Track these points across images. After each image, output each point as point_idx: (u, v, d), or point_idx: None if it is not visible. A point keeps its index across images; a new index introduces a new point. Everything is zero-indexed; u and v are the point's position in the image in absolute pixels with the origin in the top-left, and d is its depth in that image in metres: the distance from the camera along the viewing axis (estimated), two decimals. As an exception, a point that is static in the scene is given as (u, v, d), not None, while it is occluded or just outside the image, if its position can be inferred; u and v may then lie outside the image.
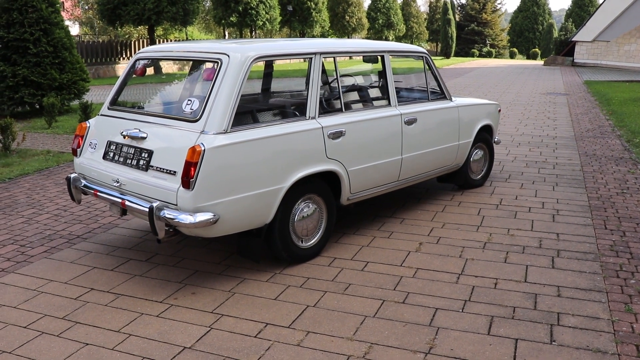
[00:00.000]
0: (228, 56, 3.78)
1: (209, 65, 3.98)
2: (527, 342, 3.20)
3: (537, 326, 3.37)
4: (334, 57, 4.46)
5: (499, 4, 63.18)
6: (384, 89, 4.99)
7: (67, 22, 12.67)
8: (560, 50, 34.74)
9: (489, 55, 53.21)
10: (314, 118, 4.17)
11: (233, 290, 3.85)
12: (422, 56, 5.43)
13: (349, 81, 5.58)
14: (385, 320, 3.47)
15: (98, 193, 4.09)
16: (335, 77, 4.51)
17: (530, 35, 57.07)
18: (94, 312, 3.58)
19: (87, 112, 10.21)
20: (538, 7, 57.49)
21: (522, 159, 7.80)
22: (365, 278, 4.05)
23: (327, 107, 4.64)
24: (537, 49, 50.90)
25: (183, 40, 31.31)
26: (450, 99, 5.66)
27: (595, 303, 3.65)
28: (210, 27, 47.32)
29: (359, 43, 5.03)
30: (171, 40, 28.48)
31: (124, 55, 25.58)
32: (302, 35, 36.82)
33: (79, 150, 4.44)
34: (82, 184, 4.29)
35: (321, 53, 4.29)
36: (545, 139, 9.33)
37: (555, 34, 47.94)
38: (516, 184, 6.49)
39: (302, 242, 4.25)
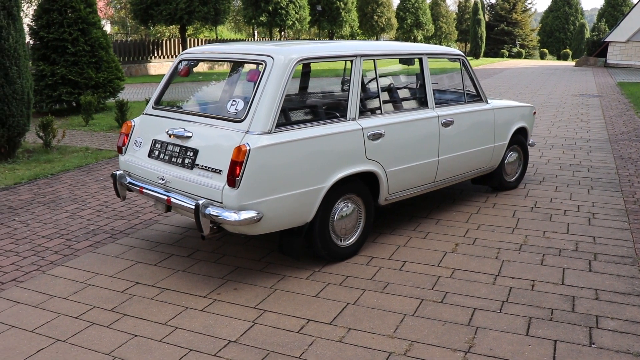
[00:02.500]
0: (272, 58, 3.87)
1: (252, 66, 4.07)
2: (566, 344, 3.24)
3: (576, 328, 3.40)
4: (373, 60, 4.53)
5: (529, 3, 62.43)
6: (421, 90, 5.05)
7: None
8: (593, 51, 34.24)
9: (518, 55, 52.65)
10: (354, 119, 4.25)
11: (274, 287, 3.94)
12: (459, 58, 5.47)
13: (387, 83, 5.64)
14: (425, 319, 3.52)
15: (144, 190, 4.22)
16: (375, 78, 4.58)
17: (561, 35, 56.32)
18: (141, 305, 3.70)
19: (123, 110, 10.42)
20: (570, 6, 56.70)
21: (556, 162, 7.77)
22: (403, 277, 4.11)
23: (366, 108, 4.71)
24: (568, 50, 50.22)
25: (214, 40, 31.62)
26: (486, 101, 5.69)
27: (634, 307, 3.66)
28: (240, 27, 47.68)
29: (398, 45, 5.09)
30: (203, 40, 28.78)
31: (155, 55, 25.93)
32: (331, 35, 36.91)
33: (124, 148, 4.58)
34: (127, 181, 4.43)
35: (362, 55, 4.36)
36: (579, 142, 9.26)
37: (587, 34, 47.27)
38: (550, 187, 6.48)
39: (341, 241, 4.33)
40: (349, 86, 4.28)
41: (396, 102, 5.30)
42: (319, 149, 3.94)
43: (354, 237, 4.43)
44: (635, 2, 30.66)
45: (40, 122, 8.43)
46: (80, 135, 10.00)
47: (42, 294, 3.87)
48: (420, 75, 5.01)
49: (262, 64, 3.90)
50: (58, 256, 4.52)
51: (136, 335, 3.34)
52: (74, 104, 12.62)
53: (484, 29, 46.93)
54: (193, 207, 3.70)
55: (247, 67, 4.40)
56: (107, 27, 45.68)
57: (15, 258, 4.48)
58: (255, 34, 38.87)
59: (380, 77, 4.70)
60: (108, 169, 7.46)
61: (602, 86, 19.70)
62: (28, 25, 12.60)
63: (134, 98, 15.27)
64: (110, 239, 4.89)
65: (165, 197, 3.99)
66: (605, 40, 31.84)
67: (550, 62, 44.49)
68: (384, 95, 5.28)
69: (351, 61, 4.32)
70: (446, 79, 6.66)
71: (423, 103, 4.99)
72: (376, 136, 4.33)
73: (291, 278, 4.08)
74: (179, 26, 25.38)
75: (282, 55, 3.89)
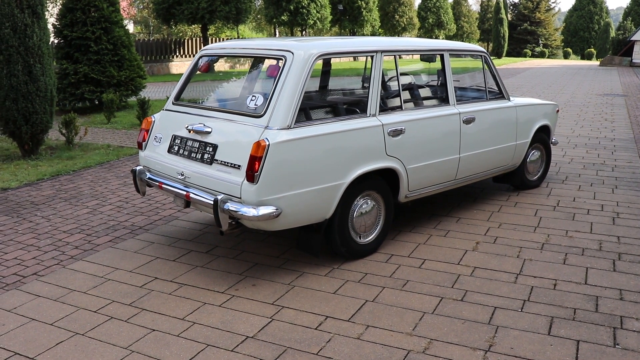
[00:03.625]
0: (292, 53, 3.85)
1: (272, 62, 4.06)
2: (589, 344, 3.17)
3: (600, 329, 3.33)
4: (394, 56, 4.49)
5: (553, 2, 61.68)
6: (443, 87, 4.99)
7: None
8: (618, 50, 33.73)
9: (541, 55, 52.08)
10: (374, 115, 4.21)
11: (292, 284, 3.92)
12: (481, 55, 5.41)
13: (408, 79, 5.59)
14: (444, 317, 3.48)
15: (163, 185, 4.23)
16: (396, 75, 4.54)
17: (586, 34, 55.61)
18: (159, 300, 3.71)
19: (144, 108, 10.51)
20: (594, 5, 55.96)
21: (579, 161, 7.65)
22: (423, 275, 4.06)
23: (387, 105, 4.67)
24: (592, 49, 49.53)
25: (236, 39, 31.76)
26: (509, 99, 5.61)
27: (660, 307, 3.57)
28: (262, 26, 47.82)
29: (419, 42, 5.04)
30: (224, 39, 28.92)
31: (177, 53, 26.12)
32: (352, 34, 36.82)
33: (144, 143, 4.60)
34: (147, 177, 4.44)
35: (382, 51, 4.32)
36: (603, 141, 9.11)
37: (612, 33, 46.54)
38: (573, 186, 6.37)
39: (360, 238, 4.29)
40: (369, 82, 4.24)
41: (417, 99, 5.25)
42: (338, 144, 3.92)
43: (374, 235, 4.39)
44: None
45: (63, 120, 8.52)
46: (102, 133, 10.10)
47: (62, 287, 3.90)
48: (442, 72, 4.95)
49: (282, 59, 3.89)
50: (78, 251, 4.55)
51: (154, 330, 3.34)
52: (97, 102, 12.75)
53: (506, 29, 46.50)
54: (212, 202, 3.70)
55: (267, 63, 4.38)
56: (130, 27, 46.14)
57: (37, 252, 4.52)
58: (277, 33, 38.95)
59: (401, 73, 4.66)
60: (129, 165, 7.51)
61: (628, 85, 19.39)
62: (52, 24, 12.77)
63: (156, 96, 15.38)
64: (130, 234, 4.91)
65: (184, 193, 4.00)
66: (631, 39, 31.33)
67: (574, 61, 43.92)
68: (405, 92, 5.23)
69: (372, 57, 4.29)
70: (468, 76, 6.58)
71: (444, 100, 4.94)
72: (396, 132, 4.29)
73: (310, 275, 4.06)
74: (200, 25, 25.51)
75: (302, 50, 3.87)
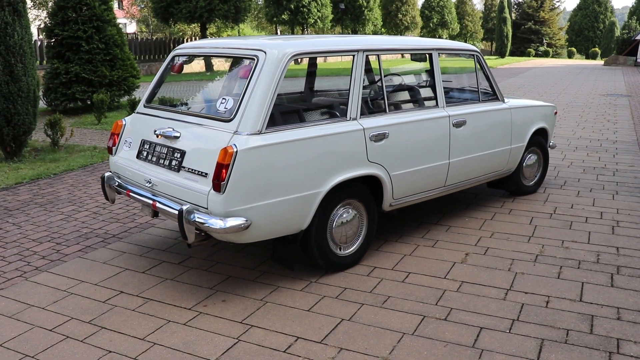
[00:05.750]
0: (265, 53, 3.59)
1: (245, 62, 3.81)
2: (581, 371, 2.90)
3: (594, 353, 3.06)
4: (377, 55, 4.22)
5: (557, 1, 61.20)
6: (431, 89, 4.72)
7: (124, 20, 12.83)
8: (622, 49, 33.36)
9: (545, 54, 51.66)
10: (355, 119, 3.95)
11: (265, 299, 3.66)
12: (473, 54, 5.13)
13: (393, 80, 5.32)
14: (425, 338, 3.21)
15: (130, 193, 3.98)
16: (380, 76, 4.27)
17: (590, 34, 55.17)
18: (121, 317, 3.46)
19: (135, 108, 10.25)
20: (599, 4, 55.51)
21: (579, 165, 7.37)
22: (406, 290, 3.80)
23: (370, 108, 4.41)
24: (596, 49, 49.12)
25: (215, 37, 31.54)
26: (503, 100, 5.34)
27: (660, 328, 3.30)
28: (262, 25, 47.55)
29: (405, 40, 4.77)
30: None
31: (176, 53, 25.90)
32: (354, 33, 36.53)
33: (114, 148, 4.35)
34: (116, 183, 4.19)
35: (364, 50, 4.06)
36: (605, 143, 8.83)
37: (618, 32, 46.14)
38: (572, 192, 6.10)
39: (340, 250, 4.03)
40: (350, 83, 3.98)
41: (403, 101, 4.98)
42: (314, 151, 3.65)
43: (355, 246, 4.13)
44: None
45: (48, 121, 8.28)
46: (91, 134, 9.86)
47: (20, 302, 3.65)
48: (430, 72, 4.68)
49: (254, 59, 3.63)
50: (44, 261, 4.30)
51: (110, 352, 3.08)
52: (88, 102, 12.50)
53: (509, 28, 46.07)
54: (177, 212, 3.44)
55: (240, 63, 4.13)
56: (132, 26, 46.00)
57: (0, 263, 4.27)
58: (278, 32, 38.72)
59: (385, 75, 4.39)
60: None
61: (632, 86, 19.07)
62: (43, 22, 12.56)
63: (151, 96, 15.12)
64: (102, 243, 4.66)
65: (151, 202, 3.75)
66: (636, 38, 30.96)
67: (578, 61, 43.52)
68: (389, 94, 4.95)
69: (353, 56, 4.02)
70: (460, 77, 6.31)
71: (432, 102, 4.67)
72: (379, 137, 4.03)
73: (284, 289, 3.80)
74: (199, 24, 25.29)
75: (276, 49, 3.61)
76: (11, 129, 7.47)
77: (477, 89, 5.16)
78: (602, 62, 37.26)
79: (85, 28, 11.98)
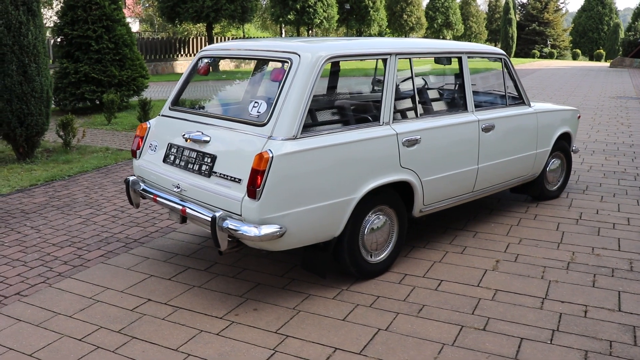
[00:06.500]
0: (299, 56, 3.50)
1: (277, 65, 3.72)
2: (630, 385, 2.82)
3: (641, 366, 2.98)
4: (409, 58, 4.14)
5: (561, 3, 61.07)
6: (460, 92, 4.63)
7: (128, 20, 12.71)
8: (628, 51, 33.23)
9: (550, 56, 51.53)
10: (388, 124, 3.86)
11: (298, 308, 3.58)
12: (501, 58, 5.05)
13: (423, 84, 5.23)
14: (466, 349, 3.13)
15: (157, 198, 3.89)
16: (411, 79, 4.19)
17: (595, 35, 54.99)
18: (151, 326, 3.37)
19: (145, 109, 10.19)
20: (603, 6, 55.34)
21: (599, 169, 7.28)
22: (440, 299, 3.72)
23: (401, 112, 4.32)
24: (601, 50, 48.96)
25: (241, 38, 31.42)
26: (529, 104, 5.26)
27: None
28: (267, 25, 47.46)
29: (435, 43, 4.68)
30: (230, 38, 28.56)
31: (182, 52, 25.82)
32: (359, 34, 36.39)
33: (138, 151, 4.27)
34: (141, 188, 4.11)
35: (397, 54, 3.97)
36: (622, 147, 8.73)
37: (622, 34, 46.00)
38: (595, 197, 6.01)
39: (371, 257, 3.95)
40: (382, 87, 3.89)
41: (433, 105, 4.89)
42: (349, 156, 3.57)
43: (386, 253, 4.04)
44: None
45: (60, 121, 8.20)
46: (102, 135, 9.78)
47: (47, 310, 3.56)
48: (459, 76, 4.60)
49: (287, 62, 3.54)
50: (67, 267, 4.22)
51: (144, 363, 3.00)
52: (97, 102, 12.43)
53: (514, 29, 46.03)
54: (210, 219, 3.36)
55: (272, 66, 4.04)
56: (136, 25, 45.91)
57: (22, 268, 4.19)
58: (283, 32, 38.61)
59: (415, 77, 4.31)
60: (127, 170, 7.19)
61: (641, 88, 18.96)
62: (54, 22, 12.48)
63: (159, 96, 15.07)
64: (124, 248, 4.58)
65: (180, 207, 3.66)
66: (642, 40, 30.86)
67: (584, 62, 43.40)
68: (420, 98, 4.87)
69: (385, 60, 3.93)
70: (484, 79, 6.21)
71: (462, 106, 4.58)
72: (412, 142, 3.94)
73: (316, 298, 3.71)
74: (205, 24, 25.19)
75: (310, 52, 3.53)
76: (24, 129, 7.40)
77: (504, 93, 5.07)
78: (607, 63, 37.15)
79: (95, 27, 11.90)
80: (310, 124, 3.81)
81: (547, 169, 5.69)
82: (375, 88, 5.32)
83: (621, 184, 6.55)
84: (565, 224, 5.15)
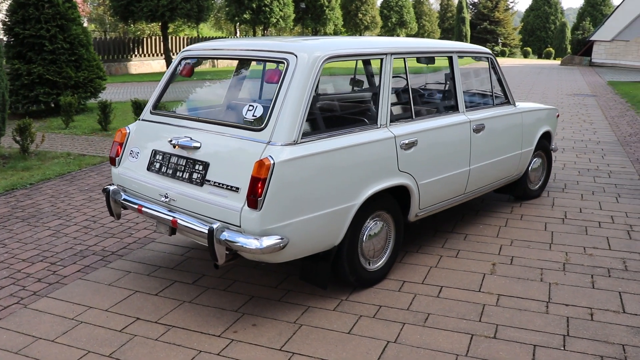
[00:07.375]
0: (295, 56, 3.31)
1: (271, 65, 3.52)
2: (652, 392, 2.74)
3: (660, 371, 2.91)
4: (404, 58, 3.99)
5: (511, 2, 62.39)
6: (451, 93, 4.52)
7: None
8: (578, 49, 34.14)
9: (501, 54, 52.52)
10: (385, 126, 3.71)
11: (299, 322, 3.39)
12: (488, 57, 4.97)
13: (416, 84, 5.09)
14: (481, 361, 3.01)
15: (143, 208, 3.63)
16: (405, 79, 4.04)
17: (542, 34, 56.28)
18: (145, 348, 3.13)
19: (106, 112, 9.78)
20: (549, 6, 56.67)
21: (572, 167, 7.32)
22: (444, 306, 3.59)
23: (396, 114, 4.17)
24: (550, 48, 50.17)
25: (196, 38, 30.83)
26: (514, 104, 5.20)
27: None
28: (221, 25, 46.78)
29: (427, 42, 4.54)
30: (185, 38, 27.96)
31: (136, 53, 25.14)
32: (315, 33, 36.24)
33: (117, 159, 3.99)
34: (122, 197, 3.84)
35: (392, 53, 3.82)
36: (589, 144, 8.84)
37: (568, 33, 47.25)
38: (575, 195, 6.01)
39: (369, 264, 3.79)
40: (379, 88, 3.74)
41: (426, 106, 4.76)
42: (350, 161, 3.40)
43: (383, 259, 3.89)
44: (620, 2, 30.54)
45: (17, 126, 7.75)
46: (61, 139, 9.33)
47: (25, 335, 3.27)
48: (450, 76, 4.49)
49: (283, 63, 3.34)
50: (42, 285, 3.91)
51: (142, 390, 2.77)
52: (53, 105, 11.88)
53: (468, 28, 46.69)
54: (206, 231, 3.13)
55: (264, 66, 3.83)
56: (84, 25, 44.56)
57: (-8, 288, 3.87)
58: (237, 32, 38.10)
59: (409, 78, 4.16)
60: (93, 177, 6.83)
61: (594, 85, 19.43)
62: (1, 21, 11.87)
63: (117, 98, 14.57)
64: (102, 262, 4.29)
65: (170, 218, 3.42)
66: (590, 39, 31.74)
67: (535, 60, 44.36)
68: (415, 99, 4.72)
69: (381, 60, 3.78)
70: (466, 76, 6.13)
71: (453, 107, 4.47)
72: (409, 145, 3.80)
73: (316, 310, 3.53)
74: (160, 24, 24.58)
75: (307, 52, 3.34)
76: (-20, 135, 6.95)
77: (491, 92, 5.00)
78: (558, 61, 38.08)
79: (49, 27, 11.37)
80: (310, 128, 3.61)
81: (530, 168, 5.65)
82: (363, 88, 5.15)
83: (597, 181, 6.58)
84: (552, 224, 5.11)
